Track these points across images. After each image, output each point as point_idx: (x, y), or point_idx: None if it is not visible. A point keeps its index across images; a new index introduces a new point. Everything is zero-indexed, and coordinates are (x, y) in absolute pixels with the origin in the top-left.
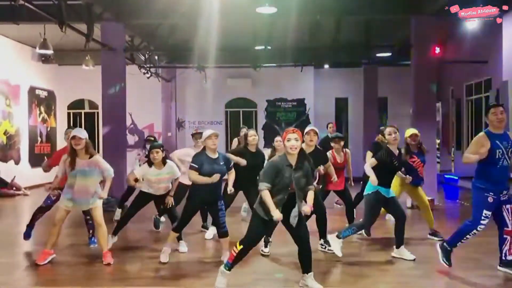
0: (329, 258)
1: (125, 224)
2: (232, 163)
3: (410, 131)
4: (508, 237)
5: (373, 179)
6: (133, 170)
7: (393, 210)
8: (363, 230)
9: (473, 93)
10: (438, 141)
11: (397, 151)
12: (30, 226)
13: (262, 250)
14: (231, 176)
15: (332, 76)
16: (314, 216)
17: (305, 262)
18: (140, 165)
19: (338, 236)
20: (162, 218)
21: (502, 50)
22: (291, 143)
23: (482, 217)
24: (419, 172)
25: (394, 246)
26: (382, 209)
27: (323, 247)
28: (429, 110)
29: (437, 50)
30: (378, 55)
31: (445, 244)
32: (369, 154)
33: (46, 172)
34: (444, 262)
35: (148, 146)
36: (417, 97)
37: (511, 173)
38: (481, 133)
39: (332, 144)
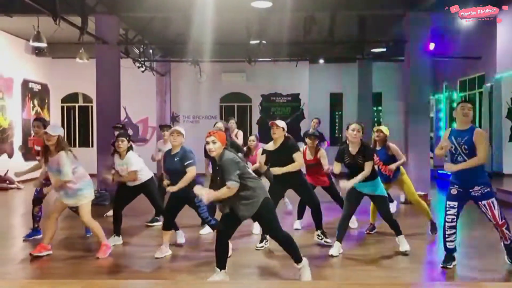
0: (323, 252)
1: (120, 220)
2: (188, 161)
3: (377, 127)
4: (499, 228)
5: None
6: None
7: (378, 209)
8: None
9: (467, 88)
10: (431, 134)
11: (357, 150)
12: (34, 229)
13: (256, 246)
14: (188, 174)
15: (326, 71)
16: (309, 212)
17: (288, 253)
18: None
19: (336, 240)
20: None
21: (496, 46)
22: (208, 146)
23: (446, 208)
24: (382, 170)
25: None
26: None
27: (320, 237)
28: (422, 105)
29: (432, 45)
30: (372, 50)
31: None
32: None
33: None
34: (442, 265)
35: (116, 133)
36: (410, 93)
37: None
38: (448, 129)
39: (306, 141)
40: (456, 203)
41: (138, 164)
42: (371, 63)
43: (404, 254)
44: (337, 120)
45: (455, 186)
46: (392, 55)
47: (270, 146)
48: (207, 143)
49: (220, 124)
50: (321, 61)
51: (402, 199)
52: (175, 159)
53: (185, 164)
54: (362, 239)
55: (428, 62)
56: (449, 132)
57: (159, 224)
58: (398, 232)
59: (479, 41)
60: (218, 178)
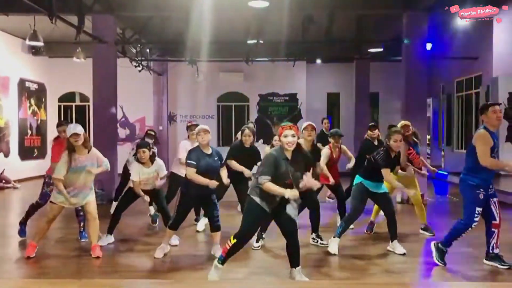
0: (320, 251)
1: (118, 220)
2: (224, 160)
3: (401, 123)
4: (496, 231)
5: (396, 184)
6: (132, 179)
7: (383, 206)
8: (353, 225)
9: (463, 89)
10: (428, 136)
11: (395, 154)
12: (24, 223)
13: (252, 246)
14: (224, 171)
15: (324, 71)
16: (307, 211)
17: (293, 256)
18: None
19: (334, 236)
20: (152, 208)
21: (493, 46)
22: (288, 139)
23: (475, 215)
24: (415, 163)
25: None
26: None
27: (315, 241)
28: (420, 105)
29: (429, 46)
30: (370, 50)
31: (439, 245)
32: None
33: None
34: (439, 261)
35: (147, 140)
36: (408, 93)
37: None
38: (483, 131)
39: (331, 140)
40: (482, 209)
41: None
42: (368, 63)
43: (403, 254)
44: (334, 120)
45: (481, 190)
46: (389, 55)
47: (303, 146)
48: (286, 136)
49: (251, 125)
50: (319, 60)
51: (399, 199)
52: (215, 159)
53: (222, 162)
54: (360, 238)
55: (425, 62)
56: (490, 135)
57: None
58: (393, 236)
59: (476, 42)
60: (292, 172)
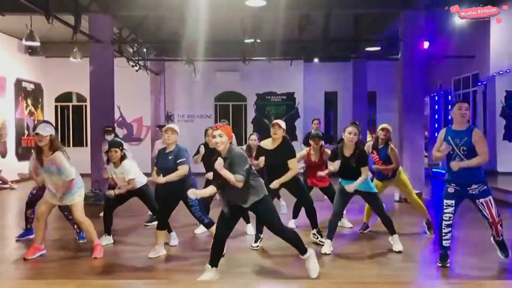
0: (316, 251)
1: (110, 219)
2: (181, 159)
3: (383, 125)
4: (493, 226)
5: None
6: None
7: (371, 206)
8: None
9: (461, 87)
10: (426, 134)
11: (351, 152)
12: (27, 229)
13: (251, 245)
14: (178, 172)
15: (321, 70)
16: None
17: (295, 247)
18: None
19: (326, 238)
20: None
21: (490, 45)
22: (215, 140)
23: (444, 206)
24: (381, 169)
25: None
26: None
27: (315, 237)
28: (417, 104)
29: (426, 44)
30: (367, 49)
31: (439, 248)
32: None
33: None
34: (439, 264)
35: (107, 138)
36: (405, 91)
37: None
38: (443, 129)
39: (310, 142)
40: (453, 202)
41: (134, 171)
42: (365, 62)
43: (398, 252)
44: (332, 119)
45: (452, 184)
46: (387, 54)
47: (268, 144)
48: (214, 136)
49: (255, 136)
50: (316, 60)
51: (397, 197)
52: (169, 157)
53: (178, 162)
54: (355, 238)
55: (423, 61)
56: (445, 132)
57: (154, 224)
58: (392, 231)
59: (473, 40)
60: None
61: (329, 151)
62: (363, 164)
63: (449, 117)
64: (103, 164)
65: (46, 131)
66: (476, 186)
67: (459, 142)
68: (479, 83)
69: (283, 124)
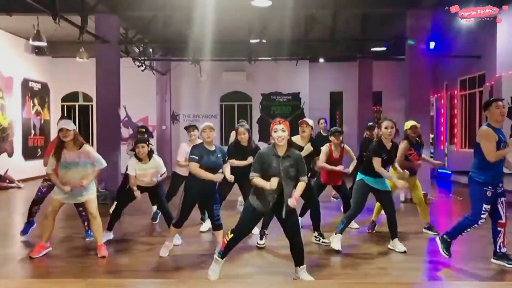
0: (321, 250)
1: (118, 217)
2: (227, 157)
3: (410, 123)
4: (502, 230)
5: (387, 176)
6: (127, 172)
7: (384, 205)
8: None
9: (467, 87)
10: (431, 135)
11: (390, 145)
12: (28, 222)
13: (257, 243)
14: (227, 168)
15: (327, 70)
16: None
17: (297, 256)
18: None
19: (336, 233)
20: (154, 207)
21: (496, 45)
22: (277, 134)
23: (482, 211)
24: (414, 165)
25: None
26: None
27: (317, 239)
28: (423, 104)
29: (432, 44)
30: (373, 49)
31: (445, 236)
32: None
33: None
34: (444, 253)
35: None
36: (411, 91)
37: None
38: (487, 127)
39: (331, 139)
40: (490, 206)
41: (164, 167)
42: (371, 62)
43: (403, 253)
44: (337, 120)
45: (489, 187)
46: (393, 54)
47: (299, 141)
48: (276, 130)
49: (242, 129)
50: (321, 60)
51: (402, 198)
52: (218, 155)
53: (226, 159)
54: (362, 238)
55: (429, 61)
56: (494, 131)
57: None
58: (393, 235)
59: (480, 40)
60: (282, 169)
61: (349, 149)
62: (394, 156)
63: (485, 116)
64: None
65: (71, 125)
66: (501, 185)
67: (504, 139)
68: (486, 84)
69: (310, 121)
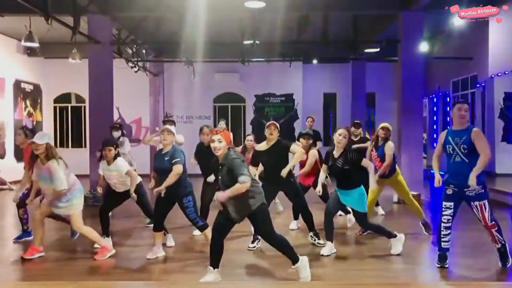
0: (315, 252)
1: (107, 221)
2: (175, 159)
3: (383, 124)
4: (488, 231)
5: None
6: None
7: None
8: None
9: (459, 89)
10: (425, 135)
11: (341, 152)
12: (24, 231)
13: (248, 246)
14: (172, 173)
15: (320, 71)
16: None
17: (286, 255)
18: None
19: (327, 239)
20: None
21: (488, 46)
22: (213, 144)
23: (443, 208)
24: (377, 166)
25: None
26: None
27: (313, 239)
28: (416, 105)
29: (424, 46)
30: (366, 50)
31: (438, 249)
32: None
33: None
34: (438, 265)
35: (114, 134)
36: (404, 93)
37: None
38: (443, 132)
39: (300, 140)
40: (452, 204)
41: (127, 167)
42: (364, 63)
43: (398, 254)
44: (331, 121)
45: (451, 186)
46: (386, 55)
47: (262, 146)
48: (213, 141)
49: (223, 124)
50: (315, 61)
51: (395, 199)
52: (165, 158)
53: (173, 162)
54: (354, 239)
55: (421, 62)
56: (446, 134)
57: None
58: (389, 236)
59: (471, 42)
60: (220, 178)
61: (315, 152)
62: (360, 161)
63: (448, 118)
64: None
65: (43, 139)
66: (471, 188)
67: (459, 141)
68: (478, 85)
69: (277, 125)
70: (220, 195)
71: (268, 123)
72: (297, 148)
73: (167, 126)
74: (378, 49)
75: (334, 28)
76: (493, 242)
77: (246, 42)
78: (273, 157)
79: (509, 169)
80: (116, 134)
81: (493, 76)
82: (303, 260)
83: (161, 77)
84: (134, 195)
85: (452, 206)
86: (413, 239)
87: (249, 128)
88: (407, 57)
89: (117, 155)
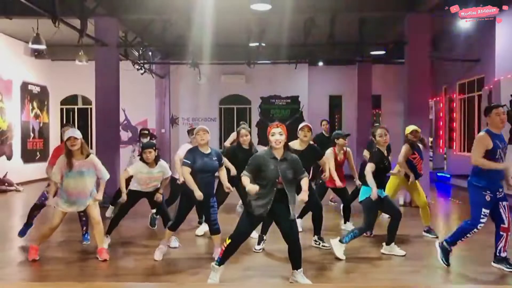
0: (321, 254)
1: (117, 223)
2: (223, 160)
3: (411, 127)
4: (504, 234)
5: (374, 192)
6: (126, 168)
7: (389, 209)
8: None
9: (466, 91)
10: (430, 139)
11: (386, 152)
12: (27, 224)
13: (254, 248)
14: (223, 172)
15: (326, 73)
16: (310, 212)
17: (295, 259)
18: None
19: (340, 241)
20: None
21: (495, 48)
22: (275, 137)
23: (481, 216)
24: (418, 169)
25: (384, 243)
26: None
27: (317, 243)
28: (422, 108)
29: (431, 48)
30: (372, 52)
31: (444, 243)
32: (366, 153)
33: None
34: (443, 261)
35: (143, 140)
36: (410, 95)
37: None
38: (483, 133)
39: (340, 141)
40: (489, 211)
41: (170, 171)
42: (370, 66)
43: (403, 256)
44: (336, 123)
45: (488, 192)
46: (392, 58)
47: (296, 145)
48: (273, 134)
49: (246, 126)
50: (321, 63)
51: (401, 201)
52: (213, 159)
53: (222, 162)
54: (360, 241)
55: (428, 65)
56: (490, 137)
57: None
58: (391, 240)
59: (478, 44)
60: (286, 170)
61: (350, 151)
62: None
63: (486, 121)
64: (128, 164)
65: (78, 134)
66: (501, 190)
67: (503, 145)
68: (485, 87)
69: (311, 127)
70: (304, 196)
71: (302, 125)
72: (326, 159)
73: (203, 126)
74: (384, 52)
75: (340, 30)
76: (502, 250)
77: (252, 44)
78: (305, 159)
79: None
80: (145, 140)
81: (500, 78)
82: (301, 270)
83: (167, 79)
84: (159, 194)
85: (489, 213)
86: (419, 241)
87: (254, 130)
88: (414, 59)
89: (157, 156)
